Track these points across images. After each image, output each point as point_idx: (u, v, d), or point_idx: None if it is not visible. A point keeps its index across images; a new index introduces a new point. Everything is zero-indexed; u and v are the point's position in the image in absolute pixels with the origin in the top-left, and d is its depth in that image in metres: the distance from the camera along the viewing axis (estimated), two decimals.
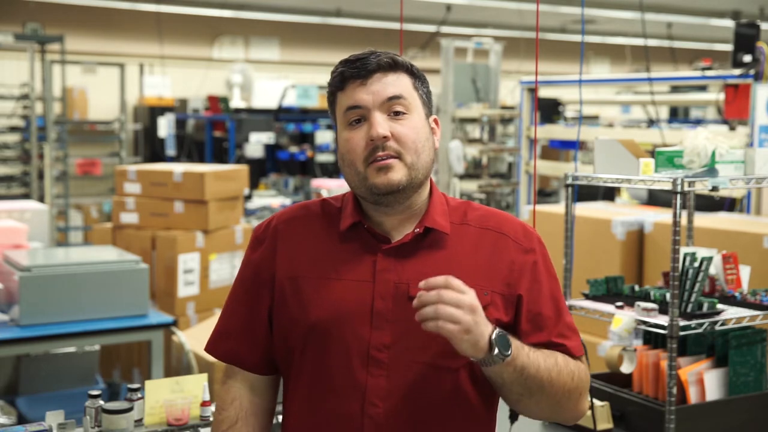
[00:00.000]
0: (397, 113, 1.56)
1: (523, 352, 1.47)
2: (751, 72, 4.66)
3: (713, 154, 2.67)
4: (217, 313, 4.89)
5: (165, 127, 9.87)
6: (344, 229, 1.61)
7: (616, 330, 2.64)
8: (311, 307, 1.58)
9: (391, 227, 1.61)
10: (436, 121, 1.65)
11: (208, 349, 1.72)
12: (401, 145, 1.55)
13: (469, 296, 1.40)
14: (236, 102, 10.43)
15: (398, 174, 1.54)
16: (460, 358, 1.52)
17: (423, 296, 1.40)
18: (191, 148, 10.09)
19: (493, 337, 1.42)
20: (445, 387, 1.55)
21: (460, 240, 1.60)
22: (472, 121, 8.40)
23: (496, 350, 1.41)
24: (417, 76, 1.62)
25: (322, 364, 1.57)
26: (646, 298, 2.78)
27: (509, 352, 1.43)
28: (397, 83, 1.57)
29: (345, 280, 1.58)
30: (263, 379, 1.70)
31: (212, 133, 9.77)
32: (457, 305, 1.38)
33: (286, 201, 8.17)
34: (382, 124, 1.54)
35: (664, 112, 11.29)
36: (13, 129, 8.36)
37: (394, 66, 1.58)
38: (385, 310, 1.55)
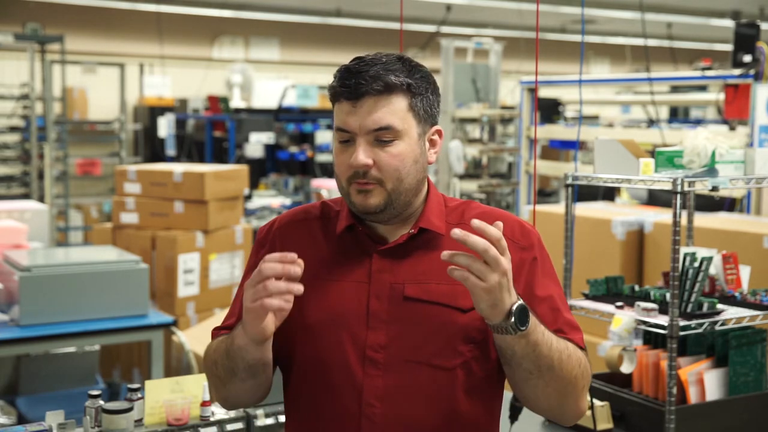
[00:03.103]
0: (383, 141, 1.54)
1: (538, 329, 1.47)
2: (751, 72, 4.66)
3: (713, 154, 2.67)
4: (217, 313, 4.93)
5: (165, 127, 9.87)
6: (340, 232, 1.62)
7: (616, 330, 2.64)
8: (309, 308, 1.59)
9: (385, 231, 1.62)
10: (439, 132, 1.64)
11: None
12: (382, 173, 1.54)
13: (506, 258, 1.39)
14: (236, 102, 10.42)
15: (376, 199, 1.55)
16: (455, 357, 1.54)
17: (470, 240, 1.36)
18: (191, 148, 10.08)
19: (514, 307, 1.41)
20: (441, 386, 1.55)
21: (456, 240, 1.60)
22: (472, 121, 8.38)
23: (513, 319, 1.40)
24: (415, 93, 1.57)
25: (320, 364, 1.58)
26: (646, 298, 2.78)
27: (525, 327, 1.42)
28: (388, 110, 1.54)
29: (341, 281, 1.59)
30: None
31: (212, 133, 9.76)
32: (494, 263, 1.36)
33: (286, 201, 8.17)
34: (363, 153, 1.53)
35: (664, 112, 11.28)
36: (13, 129, 8.36)
37: (389, 89, 1.54)
38: (381, 310, 1.56)
